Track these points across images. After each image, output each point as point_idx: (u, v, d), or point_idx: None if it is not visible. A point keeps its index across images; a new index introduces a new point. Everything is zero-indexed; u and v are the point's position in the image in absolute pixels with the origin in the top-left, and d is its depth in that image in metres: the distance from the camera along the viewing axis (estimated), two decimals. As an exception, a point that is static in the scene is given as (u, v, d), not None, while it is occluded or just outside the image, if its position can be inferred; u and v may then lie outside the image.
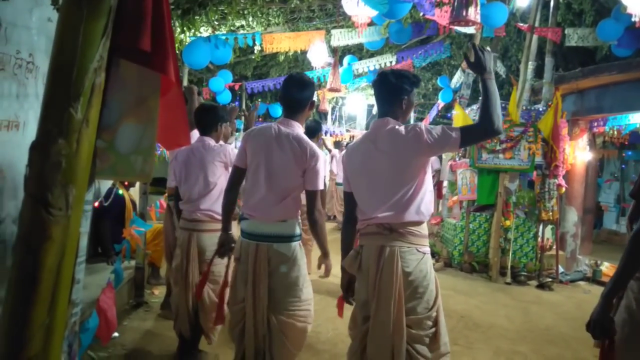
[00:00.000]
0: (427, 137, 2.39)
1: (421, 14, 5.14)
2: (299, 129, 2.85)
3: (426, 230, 2.56)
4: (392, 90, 2.55)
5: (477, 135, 2.51)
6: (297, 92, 2.84)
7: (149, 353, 3.74)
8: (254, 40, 5.68)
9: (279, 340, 2.75)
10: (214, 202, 3.43)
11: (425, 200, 2.50)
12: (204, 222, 3.45)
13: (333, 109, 12.99)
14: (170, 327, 3.77)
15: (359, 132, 12.89)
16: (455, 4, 3.80)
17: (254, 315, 2.75)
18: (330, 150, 10.72)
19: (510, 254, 6.66)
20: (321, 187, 2.83)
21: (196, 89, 3.75)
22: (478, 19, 3.85)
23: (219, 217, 3.29)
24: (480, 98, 2.64)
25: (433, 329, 2.46)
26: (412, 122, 14.36)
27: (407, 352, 2.39)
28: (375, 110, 12.90)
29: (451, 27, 5.25)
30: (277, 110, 11.77)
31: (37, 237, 0.98)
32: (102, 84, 1.06)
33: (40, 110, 1.03)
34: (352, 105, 12.44)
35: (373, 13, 4.38)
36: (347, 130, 12.81)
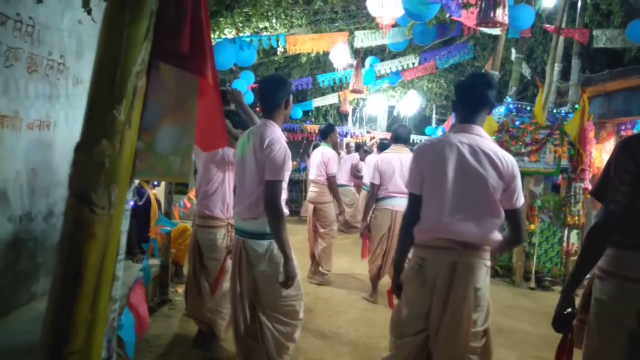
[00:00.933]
0: (514, 186, 2.33)
1: (447, 15, 5.10)
2: (272, 126, 2.86)
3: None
4: (487, 97, 2.43)
5: (514, 234, 2.49)
6: (271, 92, 2.90)
7: (174, 350, 3.81)
8: (277, 42, 5.73)
9: (267, 331, 2.84)
10: (208, 198, 3.62)
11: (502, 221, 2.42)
12: (200, 217, 3.65)
13: (354, 110, 12.99)
14: (195, 325, 3.86)
15: (379, 133, 12.84)
16: (483, 5, 3.76)
17: (241, 310, 2.87)
18: (339, 153, 10.66)
19: (535, 259, 6.56)
20: (279, 177, 2.69)
21: (240, 92, 3.88)
22: (506, 20, 3.81)
23: (209, 214, 3.60)
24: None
25: (484, 339, 2.42)
26: (433, 124, 14.29)
27: None
28: (397, 111, 12.91)
29: (477, 28, 5.20)
30: (298, 111, 11.82)
31: (81, 235, 1.01)
32: (143, 87, 1.09)
33: (84, 112, 1.06)
34: (372, 107, 12.41)
35: (398, 14, 4.37)
36: (368, 132, 12.78)
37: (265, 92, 2.93)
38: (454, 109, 2.59)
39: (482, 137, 2.39)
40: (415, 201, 2.49)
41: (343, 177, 9.44)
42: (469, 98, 2.47)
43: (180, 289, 5.21)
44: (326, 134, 6.05)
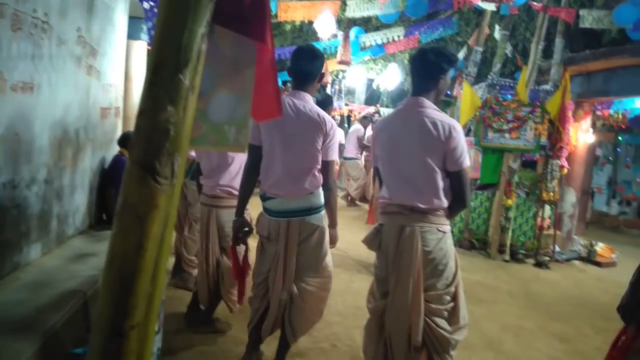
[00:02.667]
0: (454, 145, 2.43)
1: (449, -13, 5.09)
2: (311, 100, 2.84)
3: (446, 209, 2.58)
4: (429, 68, 2.54)
5: (456, 197, 2.54)
6: (308, 63, 2.81)
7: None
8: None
9: (299, 307, 2.82)
10: (233, 178, 3.42)
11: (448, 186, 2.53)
12: (223, 198, 3.45)
13: (332, 81, 12.87)
14: (179, 294, 3.83)
15: (357, 106, 12.79)
16: (490, -20, 3.75)
17: (282, 286, 2.80)
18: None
19: (510, 233, 6.77)
20: (337, 157, 2.87)
21: None
22: (509, -5, 3.82)
23: (237, 193, 3.30)
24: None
25: (452, 304, 2.55)
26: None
27: (427, 324, 2.47)
28: (376, 85, 12.84)
29: (478, 2, 5.18)
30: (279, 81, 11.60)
31: (145, 206, 0.95)
32: (205, 51, 1.02)
33: (145, 75, 0.99)
34: (352, 79, 12.31)
35: (396, -15, 4.31)
36: (346, 104, 12.70)
37: (302, 63, 2.81)
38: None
39: (424, 108, 2.49)
40: (378, 174, 2.73)
41: (351, 151, 9.30)
42: (416, 70, 2.59)
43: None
44: (325, 106, 5.55)
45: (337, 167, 7.22)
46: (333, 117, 10.07)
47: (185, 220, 4.47)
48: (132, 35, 6.07)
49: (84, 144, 4.41)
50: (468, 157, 2.53)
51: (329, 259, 2.94)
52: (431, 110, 2.49)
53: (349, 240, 6.72)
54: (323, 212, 2.88)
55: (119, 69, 5.36)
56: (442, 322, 2.49)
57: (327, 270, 2.92)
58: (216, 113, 1.17)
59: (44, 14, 3.44)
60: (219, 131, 1.17)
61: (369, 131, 8.96)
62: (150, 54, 0.98)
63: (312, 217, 2.80)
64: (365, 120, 9.46)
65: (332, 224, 2.98)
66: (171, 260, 4.99)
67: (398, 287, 2.46)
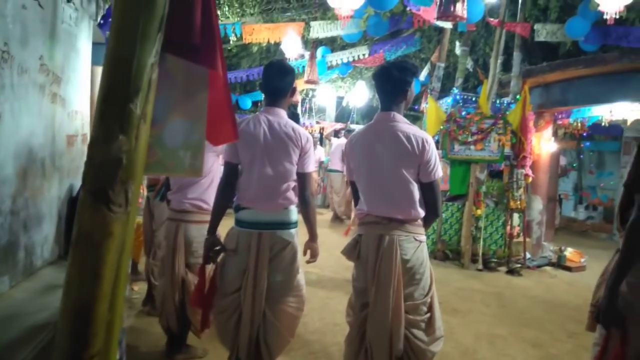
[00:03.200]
0: (427, 159, 2.52)
1: (407, 8, 5.23)
2: (285, 116, 2.87)
3: (421, 220, 2.65)
4: (395, 83, 2.61)
5: (429, 208, 2.65)
6: (279, 79, 2.84)
7: (136, 350, 3.68)
8: (233, 31, 5.61)
9: (273, 327, 2.76)
10: (203, 192, 3.38)
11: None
12: (192, 212, 3.38)
13: (303, 100, 12.99)
14: (155, 323, 3.73)
15: (328, 123, 12.93)
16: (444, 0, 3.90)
17: (252, 305, 2.72)
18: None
19: (481, 242, 6.90)
20: (313, 169, 2.91)
21: None
22: (465, 14, 3.97)
23: (207, 207, 3.29)
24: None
25: (428, 314, 2.58)
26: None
27: (405, 336, 2.50)
28: (346, 102, 13.02)
29: (434, 22, 5.36)
30: (247, 101, 11.66)
31: (99, 234, 0.97)
32: (156, 80, 1.05)
33: (96, 106, 1.02)
34: (322, 97, 12.47)
35: (356, 5, 4.42)
36: (317, 122, 12.83)
37: (273, 78, 2.84)
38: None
39: (396, 122, 2.58)
40: (354, 187, 2.82)
41: (336, 164, 9.59)
42: (382, 87, 2.66)
43: (137, 287, 5.04)
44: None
45: (316, 182, 7.13)
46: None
47: (153, 244, 4.37)
48: (97, 61, 6.03)
49: (50, 173, 4.33)
50: (440, 169, 2.62)
51: (301, 278, 2.91)
52: (403, 124, 2.57)
53: (324, 257, 6.70)
54: (295, 230, 2.88)
55: (84, 95, 5.32)
56: (420, 334, 2.52)
57: (300, 289, 2.89)
58: (171, 139, 1.20)
59: (3, 43, 3.41)
60: (174, 157, 1.20)
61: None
62: (100, 84, 1.01)
63: (284, 232, 2.79)
64: (349, 134, 9.72)
65: (312, 238, 2.97)
66: (143, 287, 4.92)
67: (378, 296, 2.48)
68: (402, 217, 2.53)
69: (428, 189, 2.59)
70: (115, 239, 0.99)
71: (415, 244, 2.55)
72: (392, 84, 2.61)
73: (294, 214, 2.88)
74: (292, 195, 2.83)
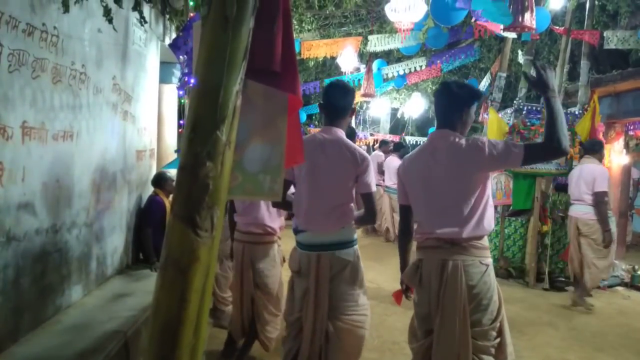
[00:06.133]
0: (490, 150, 2.38)
1: (473, 19, 5.13)
2: (343, 135, 2.86)
3: (487, 241, 2.54)
4: (453, 101, 2.55)
5: (542, 154, 2.50)
6: (341, 99, 2.85)
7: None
8: (293, 47, 5.72)
9: (336, 346, 2.75)
10: (269, 215, 3.47)
11: (487, 214, 2.49)
12: (257, 234, 3.49)
13: (357, 112, 13.02)
14: (214, 332, 3.84)
15: (382, 135, 12.86)
16: (512, 10, 3.78)
17: (314, 324, 2.74)
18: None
19: (548, 260, 6.57)
20: (374, 189, 2.86)
21: None
22: (534, 24, 3.83)
23: (270, 230, 3.43)
24: (544, 113, 2.55)
25: (498, 339, 2.46)
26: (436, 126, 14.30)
27: None
28: (401, 114, 12.91)
29: (503, 33, 5.21)
30: (302, 115, 11.81)
31: (187, 259, 0.99)
32: (239, 106, 1.07)
33: (185, 133, 1.05)
34: (376, 109, 12.44)
35: (417, 19, 4.38)
36: (371, 134, 12.81)
37: (335, 98, 2.86)
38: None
39: (451, 136, 2.50)
40: (407, 212, 2.71)
41: (395, 183, 9.01)
42: (440, 103, 2.61)
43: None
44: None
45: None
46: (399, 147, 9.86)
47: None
48: (164, 79, 6.32)
49: (121, 186, 4.55)
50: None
51: (363, 296, 2.88)
52: (459, 138, 2.49)
53: (381, 271, 6.66)
54: (354, 248, 2.85)
55: (152, 112, 5.57)
56: (489, 359, 2.42)
57: (362, 307, 2.86)
58: (251, 163, 1.22)
59: (81, 65, 3.63)
60: (254, 181, 1.21)
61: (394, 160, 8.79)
62: (188, 111, 1.04)
63: (342, 252, 2.78)
64: (386, 146, 9.37)
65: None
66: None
67: (444, 324, 2.39)
68: (466, 236, 2.41)
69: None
70: (202, 263, 1.00)
71: (482, 269, 2.42)
72: (450, 100, 2.54)
73: (352, 233, 2.85)
74: (347, 215, 2.81)
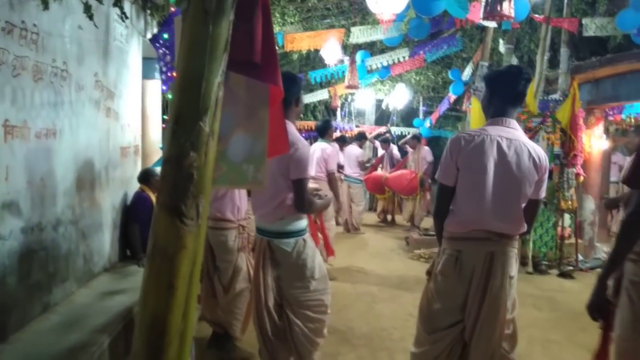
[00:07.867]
0: (544, 177, 2.44)
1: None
2: (287, 127, 2.86)
3: None
4: (526, 88, 2.47)
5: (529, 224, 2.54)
6: (283, 89, 2.80)
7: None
8: (275, 41, 5.72)
9: (296, 329, 2.87)
10: (222, 203, 3.63)
11: None
12: (215, 220, 3.64)
13: (342, 105, 13.03)
14: (208, 326, 3.89)
15: (367, 127, 12.89)
16: (490, -1, 3.84)
17: (266, 306, 2.89)
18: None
19: (531, 244, 6.70)
20: (307, 175, 2.78)
21: None
22: (512, 13, 3.89)
23: (220, 216, 3.61)
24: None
25: (512, 327, 2.54)
26: (420, 116, 14.41)
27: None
28: (385, 105, 12.94)
29: (481, 22, 5.27)
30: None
31: (173, 247, 1.02)
32: (222, 98, 1.10)
33: (168, 125, 1.07)
34: (361, 101, 12.46)
35: (398, 10, 4.42)
36: (357, 126, 12.84)
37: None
38: (487, 101, 2.55)
39: (518, 131, 2.45)
40: (449, 193, 2.50)
41: (355, 172, 8.58)
42: (508, 92, 2.46)
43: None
44: (324, 131, 6.16)
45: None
46: (344, 139, 9.53)
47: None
48: (147, 75, 6.27)
49: (106, 183, 4.53)
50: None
51: (318, 283, 2.92)
52: (525, 136, 2.48)
53: (367, 260, 6.74)
54: (300, 238, 2.88)
55: (136, 108, 5.53)
56: (507, 345, 2.50)
57: (317, 293, 2.92)
58: (234, 153, 1.25)
59: (62, 62, 3.60)
60: (237, 170, 1.24)
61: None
62: (171, 104, 1.06)
63: (280, 241, 2.85)
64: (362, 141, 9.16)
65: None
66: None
67: (489, 315, 2.37)
68: (513, 233, 2.42)
69: (535, 205, 2.50)
70: (188, 251, 1.04)
71: (516, 258, 2.48)
72: (526, 87, 2.47)
73: (292, 224, 2.87)
74: (285, 207, 2.83)
